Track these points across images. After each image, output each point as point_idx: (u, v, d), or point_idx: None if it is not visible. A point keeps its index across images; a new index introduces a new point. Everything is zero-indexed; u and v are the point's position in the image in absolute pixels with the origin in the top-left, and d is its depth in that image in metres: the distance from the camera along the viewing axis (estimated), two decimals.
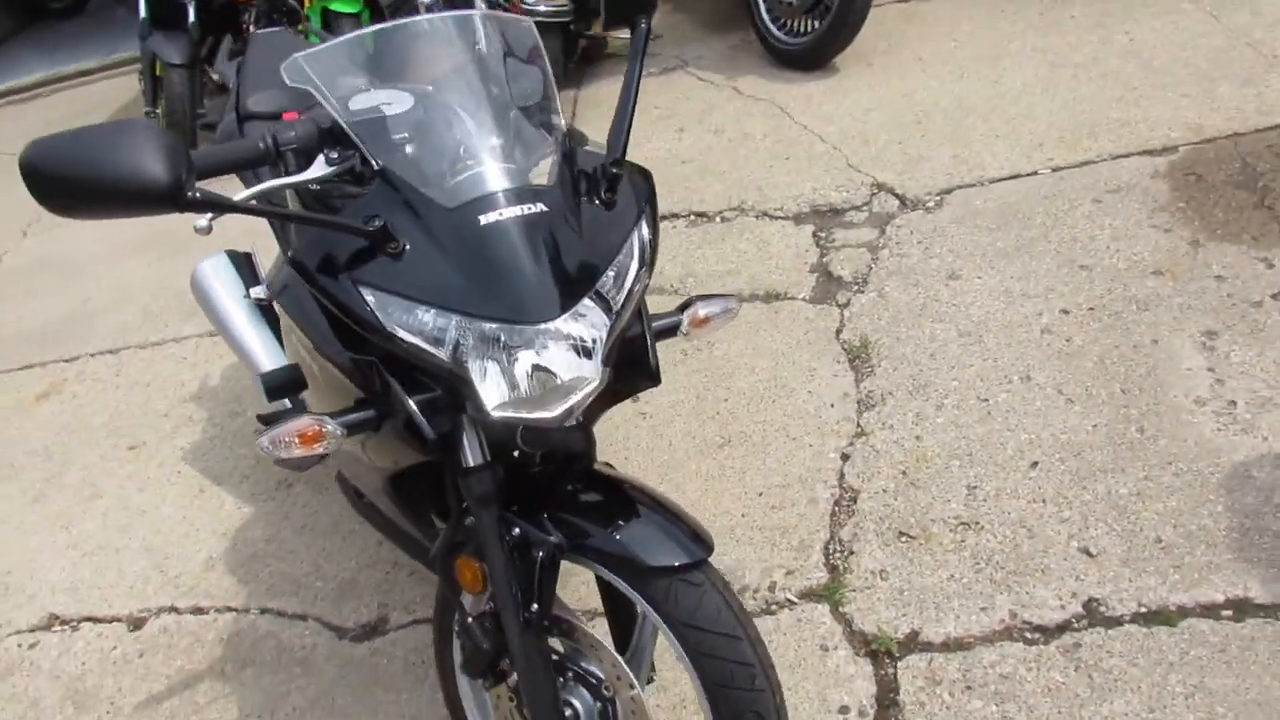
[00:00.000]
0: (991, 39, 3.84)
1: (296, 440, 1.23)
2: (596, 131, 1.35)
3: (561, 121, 1.35)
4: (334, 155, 1.27)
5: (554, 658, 1.40)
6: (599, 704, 1.39)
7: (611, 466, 1.46)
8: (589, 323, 1.18)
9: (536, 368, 1.14)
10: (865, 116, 3.55)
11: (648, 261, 1.27)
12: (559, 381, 1.14)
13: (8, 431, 3.07)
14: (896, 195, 3.06)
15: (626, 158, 1.31)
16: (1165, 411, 2.10)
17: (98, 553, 2.48)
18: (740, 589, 1.96)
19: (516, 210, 1.19)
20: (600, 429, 1.47)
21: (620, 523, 1.30)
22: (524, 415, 1.14)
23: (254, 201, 1.19)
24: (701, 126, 3.83)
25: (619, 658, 1.38)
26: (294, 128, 1.31)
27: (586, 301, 1.18)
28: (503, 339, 1.14)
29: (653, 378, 1.38)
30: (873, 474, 2.14)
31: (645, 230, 1.28)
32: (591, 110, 4.33)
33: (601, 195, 1.27)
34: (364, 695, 1.95)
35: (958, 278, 2.64)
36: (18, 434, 3.04)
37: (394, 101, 1.33)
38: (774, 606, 1.93)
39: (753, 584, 1.98)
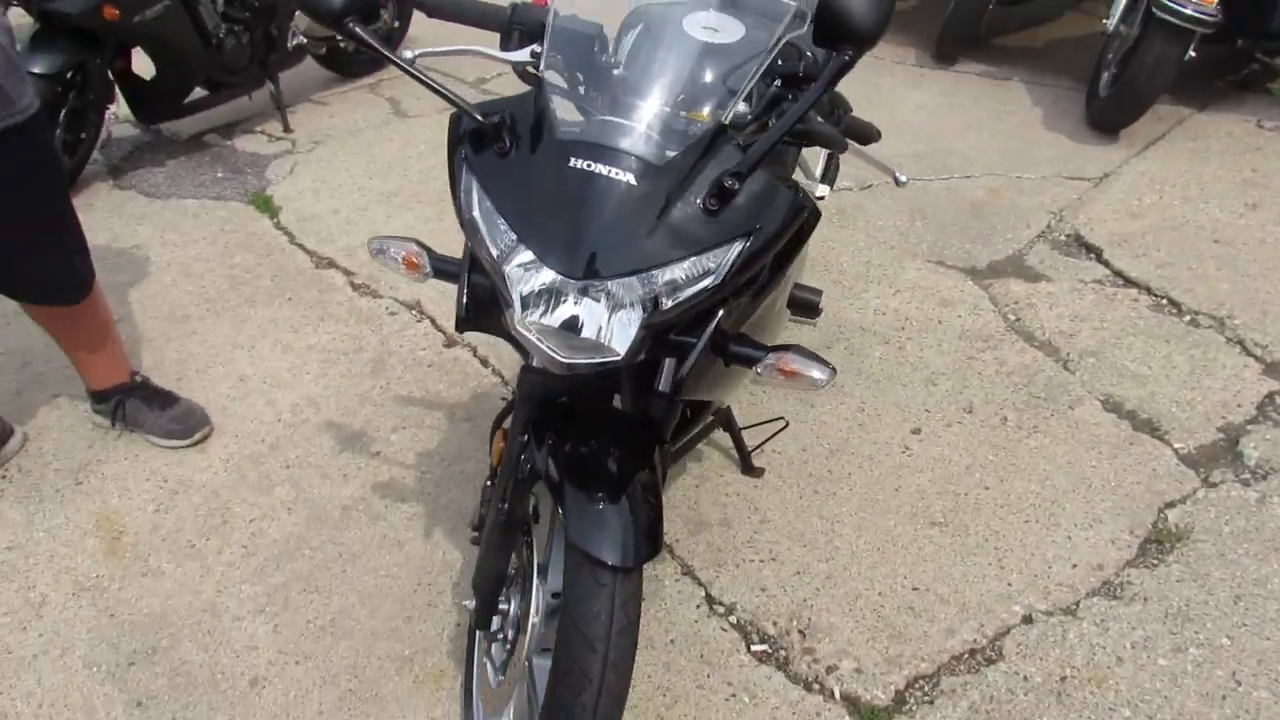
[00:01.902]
0: None
1: (401, 258, 1.47)
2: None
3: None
4: (532, 49, 1.35)
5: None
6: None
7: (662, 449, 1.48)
8: (615, 302, 1.18)
9: (557, 313, 1.18)
10: None
11: (725, 282, 1.21)
12: (580, 337, 1.18)
13: None
14: None
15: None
16: None
17: None
18: None
19: (604, 169, 1.20)
20: None
21: (595, 495, 1.34)
22: (538, 344, 1.19)
23: (406, 60, 1.25)
24: None
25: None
26: (534, 11, 1.37)
27: (622, 282, 1.17)
28: (537, 273, 1.19)
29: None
30: None
31: (737, 252, 1.20)
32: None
33: (706, 200, 1.20)
34: None
35: None
36: None
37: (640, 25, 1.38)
38: None
39: None
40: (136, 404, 2.37)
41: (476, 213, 1.25)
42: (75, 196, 3.47)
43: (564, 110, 1.29)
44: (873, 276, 3.04)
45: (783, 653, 1.88)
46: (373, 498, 2.24)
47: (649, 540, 1.36)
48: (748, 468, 2.27)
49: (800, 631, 1.91)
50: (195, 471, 2.32)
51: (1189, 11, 3.36)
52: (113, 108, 3.57)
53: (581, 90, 1.34)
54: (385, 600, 1.99)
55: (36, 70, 3.11)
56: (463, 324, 1.38)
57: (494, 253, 1.23)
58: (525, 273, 1.21)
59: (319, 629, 1.94)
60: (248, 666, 1.86)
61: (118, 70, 3.59)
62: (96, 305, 2.24)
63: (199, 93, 3.91)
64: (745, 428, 2.28)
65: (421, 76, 1.24)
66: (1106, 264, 3.08)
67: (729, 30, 1.56)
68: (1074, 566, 2.04)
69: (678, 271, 1.20)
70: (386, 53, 1.23)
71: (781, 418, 2.37)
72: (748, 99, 1.39)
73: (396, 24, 4.71)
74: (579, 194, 1.20)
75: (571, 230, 1.19)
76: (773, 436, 2.33)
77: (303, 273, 3.10)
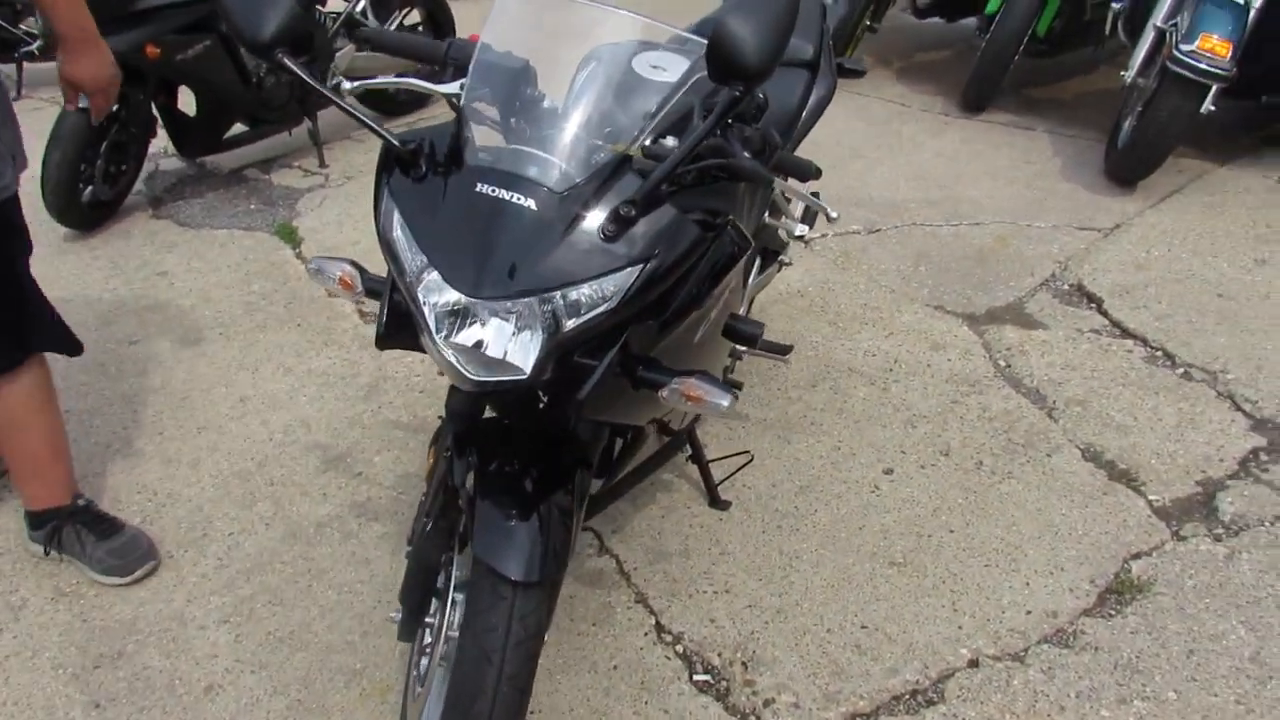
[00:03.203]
0: None
1: (336, 278, 1.53)
2: None
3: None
4: (461, 82, 1.42)
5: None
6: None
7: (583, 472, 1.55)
8: (520, 323, 1.24)
9: (466, 333, 1.25)
10: None
11: (620, 306, 1.25)
12: (488, 355, 1.24)
13: None
14: None
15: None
16: None
17: None
18: None
19: (507, 195, 1.26)
20: None
21: (506, 510, 1.41)
22: (448, 363, 1.26)
23: (340, 92, 1.37)
24: None
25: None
26: (467, 47, 1.46)
27: (522, 303, 1.23)
28: (444, 293, 1.25)
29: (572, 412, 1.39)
30: None
31: (633, 278, 1.25)
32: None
33: (604, 227, 1.26)
34: None
35: None
36: None
37: (551, 59, 1.44)
38: None
39: None
40: (74, 531, 2.14)
41: (394, 234, 1.32)
42: (115, 225, 3.68)
43: (483, 139, 1.36)
44: (868, 318, 3.05)
45: (724, 683, 1.88)
46: (348, 516, 2.31)
47: (555, 558, 1.40)
48: (714, 500, 2.29)
49: (744, 663, 1.92)
50: (185, 486, 2.41)
51: (1202, 65, 3.35)
52: (156, 142, 3.77)
53: (510, 121, 1.41)
54: (344, 615, 2.05)
55: (81, 105, 3.30)
56: (382, 341, 1.44)
57: (407, 273, 1.30)
58: (434, 293, 1.27)
59: (278, 640, 2.00)
60: (205, 674, 1.93)
61: (161, 105, 3.78)
62: (47, 410, 2.08)
63: (240, 128, 4.11)
64: (713, 460, 2.31)
65: (345, 106, 1.33)
66: (1105, 314, 3.05)
67: (675, 69, 1.63)
68: (1028, 613, 2.01)
69: (576, 294, 1.25)
70: (315, 83, 1.31)
71: (747, 451, 2.39)
72: (675, 134, 1.45)
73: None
74: (485, 218, 1.27)
75: (475, 252, 1.25)
76: (738, 470, 2.35)
77: (314, 300, 3.21)
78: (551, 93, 1.43)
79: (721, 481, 2.32)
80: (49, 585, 2.14)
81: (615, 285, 1.26)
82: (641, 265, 1.27)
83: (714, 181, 1.42)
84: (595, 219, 1.27)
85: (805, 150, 4.28)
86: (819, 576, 2.12)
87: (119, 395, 2.75)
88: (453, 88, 1.45)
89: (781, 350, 2.37)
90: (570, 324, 1.26)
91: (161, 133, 3.81)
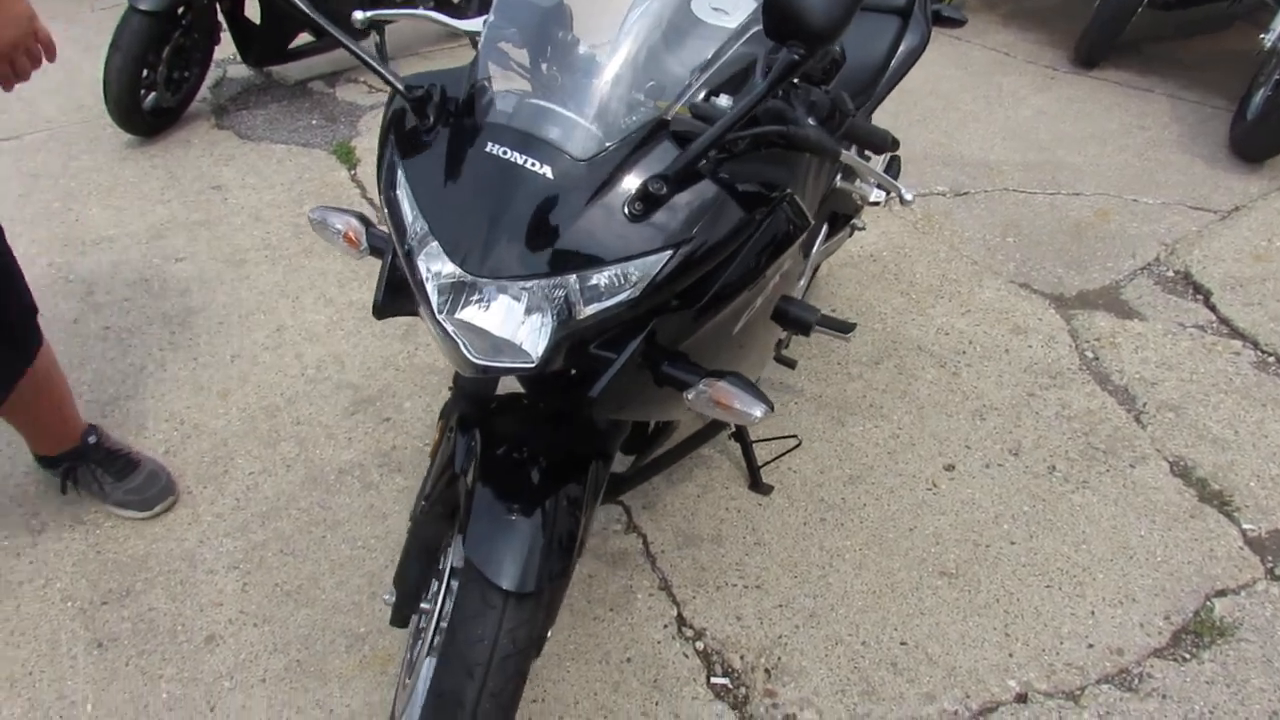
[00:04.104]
0: None
1: (341, 232, 1.38)
2: None
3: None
4: (484, 18, 1.25)
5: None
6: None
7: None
8: (529, 305, 1.09)
9: (469, 310, 1.10)
10: None
11: (643, 296, 1.09)
12: (495, 337, 1.10)
13: None
14: None
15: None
16: None
17: None
18: None
19: (520, 158, 1.10)
20: None
21: (506, 505, 1.27)
22: (449, 340, 1.12)
23: (357, 20, 1.24)
24: None
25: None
26: None
27: (528, 286, 1.08)
28: (444, 264, 1.10)
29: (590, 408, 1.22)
30: None
31: (661, 265, 1.09)
32: None
33: (631, 205, 1.09)
34: None
35: None
36: None
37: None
38: None
39: None
40: (89, 471, 2.07)
41: (395, 193, 1.17)
42: (177, 133, 3.59)
43: (504, 87, 1.18)
44: (945, 292, 2.81)
45: (743, 690, 1.75)
46: (370, 465, 2.21)
47: (557, 564, 1.26)
48: (756, 484, 2.13)
49: (767, 670, 1.78)
50: (212, 418, 2.34)
51: None
52: (224, 49, 3.66)
53: (540, 68, 1.23)
54: (355, 573, 1.96)
55: (143, 7, 3.19)
56: (380, 309, 1.30)
57: (407, 238, 1.14)
58: (435, 263, 1.12)
59: (284, 594, 1.92)
60: (208, 622, 1.86)
61: (227, 11, 3.66)
62: (50, 380, 1.94)
63: (306, 38, 3.97)
64: (757, 441, 2.14)
65: (343, 39, 1.16)
66: (1213, 308, 2.76)
67: (740, 11, 1.43)
68: (1090, 646, 1.82)
69: (595, 279, 1.09)
70: (308, 9, 1.15)
71: (795, 436, 2.22)
72: (731, 91, 1.26)
73: None
74: (494, 185, 1.11)
75: (480, 223, 1.09)
76: (783, 454, 2.18)
77: None
78: (589, 35, 1.23)
79: (765, 464, 2.15)
80: (69, 512, 2.09)
81: (640, 271, 1.09)
82: (673, 250, 1.09)
83: (770, 148, 1.22)
84: (623, 193, 1.10)
85: (891, 99, 3.99)
86: (860, 580, 1.95)
87: (159, 314, 2.68)
88: (475, 24, 1.27)
89: (843, 328, 2.17)
90: (586, 311, 1.10)
91: (228, 40, 3.70)
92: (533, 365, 1.12)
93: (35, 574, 1.96)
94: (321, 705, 1.72)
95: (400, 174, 1.16)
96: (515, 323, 1.10)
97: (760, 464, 2.13)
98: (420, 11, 1.30)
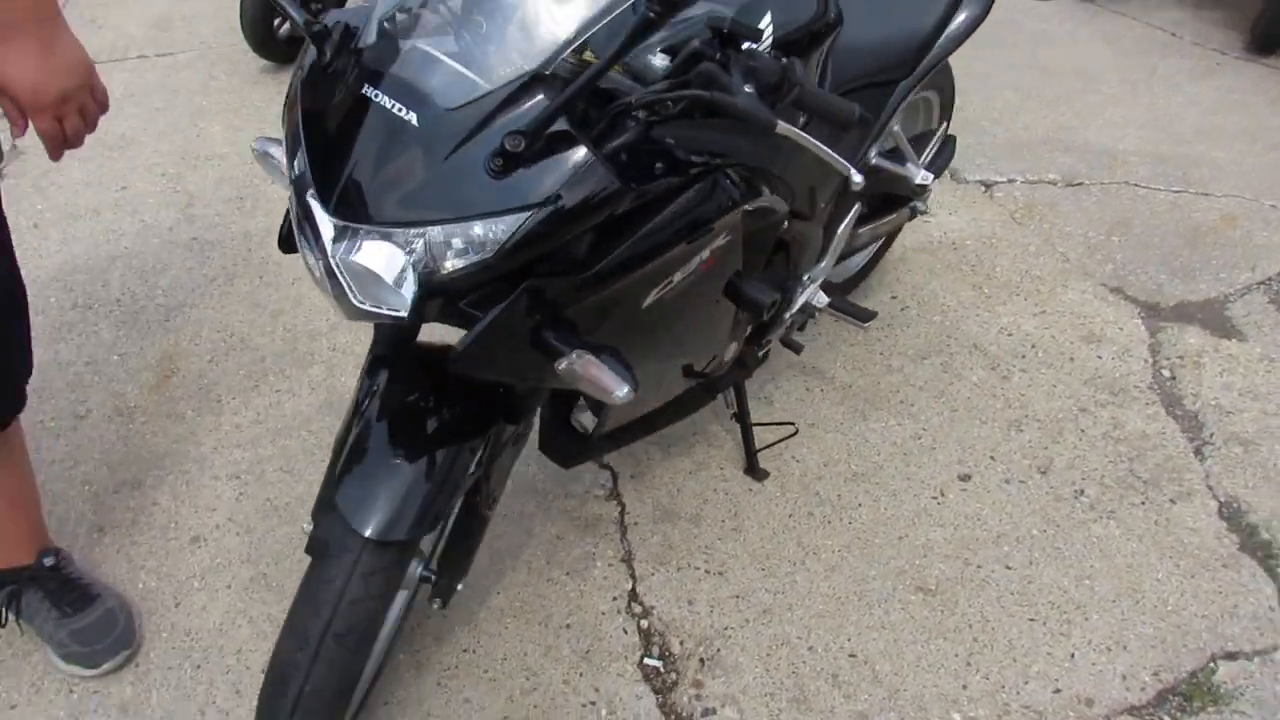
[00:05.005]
0: None
1: (279, 165, 1.33)
2: None
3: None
4: None
5: None
6: None
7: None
8: (393, 255, 1.06)
9: (341, 253, 1.09)
10: None
11: (501, 257, 1.06)
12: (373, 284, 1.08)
13: None
14: None
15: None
16: None
17: None
18: None
19: (388, 103, 1.07)
20: None
21: (382, 451, 1.27)
22: (323, 277, 1.11)
23: None
24: None
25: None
26: None
27: (383, 232, 1.06)
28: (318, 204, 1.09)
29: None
30: None
31: (516, 226, 1.04)
32: None
33: (490, 160, 1.04)
34: None
35: None
36: None
37: None
38: None
39: None
40: (36, 599, 1.69)
41: (291, 124, 1.17)
42: None
43: (398, 29, 1.15)
44: (1022, 289, 2.60)
45: (673, 675, 1.71)
46: None
47: (422, 519, 1.26)
48: (751, 467, 2.06)
49: (702, 660, 1.73)
50: (259, 334, 2.46)
51: None
52: None
53: (439, 10, 1.19)
54: None
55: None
56: (284, 243, 1.31)
57: (293, 171, 1.15)
58: (311, 202, 1.12)
59: (272, 508, 2.01)
60: (198, 524, 1.98)
61: None
62: (12, 461, 1.61)
63: None
64: (758, 424, 2.07)
65: None
66: None
67: None
68: (1056, 691, 1.67)
69: (449, 233, 1.06)
70: None
71: (792, 424, 2.12)
72: (667, 53, 1.19)
73: None
74: (365, 128, 1.09)
75: (348, 165, 1.09)
76: (778, 441, 2.09)
77: None
78: None
79: (763, 448, 2.07)
80: (111, 404, 2.25)
81: (493, 231, 1.05)
82: (530, 212, 1.05)
83: (711, 116, 1.14)
84: (488, 147, 1.06)
85: (1025, 74, 3.71)
86: (829, 583, 1.86)
87: (242, 231, 2.82)
88: None
89: (861, 316, 2.05)
90: (448, 266, 1.07)
91: None
92: (404, 316, 1.10)
93: (67, 455, 2.12)
94: (272, 620, 1.80)
95: (298, 107, 1.16)
96: (387, 270, 1.08)
97: (759, 448, 2.06)
98: None
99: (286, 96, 1.21)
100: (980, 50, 3.81)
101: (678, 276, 1.30)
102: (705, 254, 1.32)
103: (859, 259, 2.51)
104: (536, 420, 1.64)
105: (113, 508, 2.02)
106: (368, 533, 1.22)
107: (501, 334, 1.15)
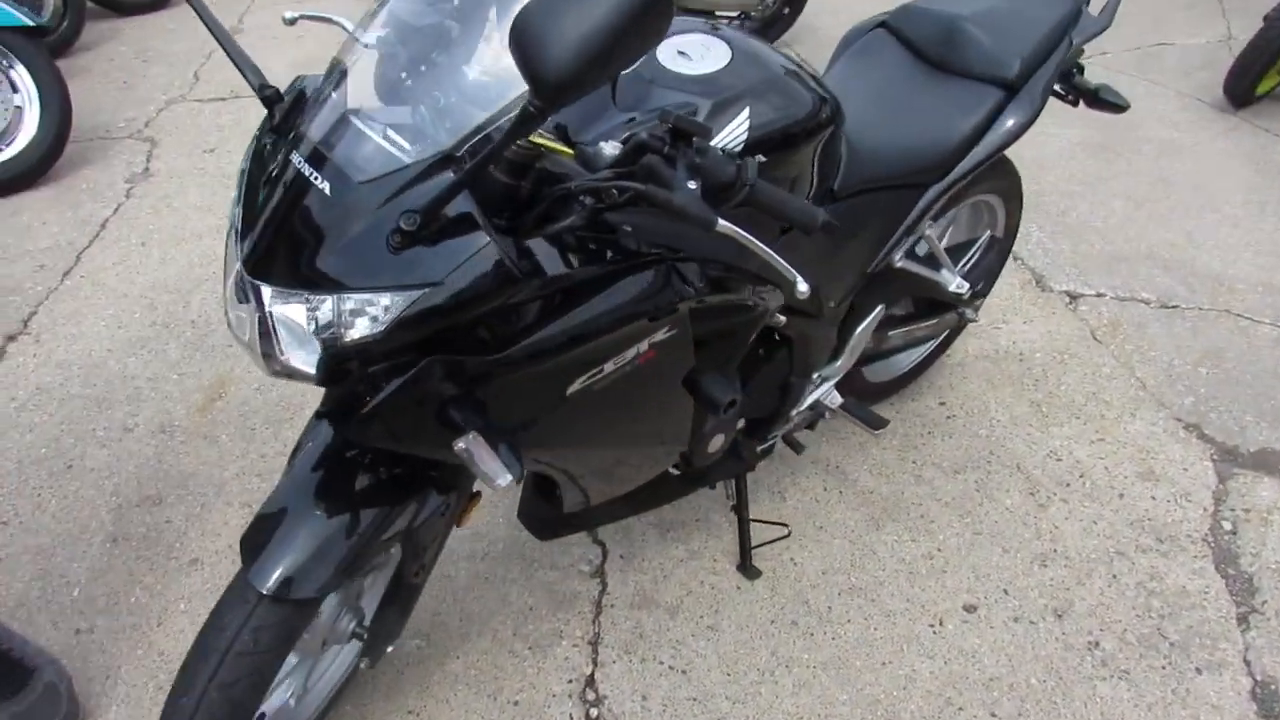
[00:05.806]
0: None
1: None
2: None
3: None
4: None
5: None
6: None
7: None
8: (288, 315, 1.09)
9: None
10: None
11: (391, 333, 1.06)
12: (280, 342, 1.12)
13: None
14: None
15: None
16: None
17: None
18: None
19: (308, 171, 1.11)
20: None
21: (301, 504, 1.29)
22: (239, 338, 1.16)
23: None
24: None
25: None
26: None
27: (292, 295, 1.09)
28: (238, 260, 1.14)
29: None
30: None
31: (405, 303, 1.05)
32: None
33: (390, 236, 1.05)
34: None
35: None
36: None
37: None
38: None
39: None
40: None
41: (240, 174, 1.23)
42: None
43: (341, 97, 1.19)
44: (1084, 413, 2.43)
45: None
46: None
47: (330, 579, 1.26)
48: (744, 564, 1.99)
49: None
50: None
51: None
52: None
53: (380, 87, 1.22)
54: None
55: None
56: None
57: (230, 221, 1.20)
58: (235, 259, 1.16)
59: None
60: (201, 548, 2.05)
61: None
62: None
63: None
64: (755, 520, 2.00)
65: (225, 38, 1.23)
66: None
67: (709, 59, 1.36)
68: None
69: (345, 303, 1.07)
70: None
71: (785, 524, 2.03)
72: (623, 142, 1.19)
73: (787, 10, 4.62)
74: (286, 192, 1.13)
75: (267, 226, 1.13)
76: (770, 541, 2.01)
77: None
78: (425, 64, 1.21)
79: (758, 546, 1.99)
80: (159, 420, 2.38)
81: (383, 306, 1.06)
82: (420, 291, 1.06)
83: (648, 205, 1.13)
84: (392, 222, 1.07)
85: (1141, 185, 3.50)
86: (793, 701, 1.75)
87: None
88: (372, 35, 1.28)
89: (873, 422, 1.96)
90: (350, 335, 1.09)
91: None
92: (313, 378, 1.12)
93: (103, 465, 2.25)
94: None
95: (249, 160, 1.22)
96: (287, 333, 1.11)
97: (754, 545, 1.98)
98: (336, 18, 1.34)
99: (248, 146, 1.27)
100: (1096, 153, 3.64)
101: (609, 366, 1.27)
102: (644, 346, 1.30)
103: (904, 359, 2.41)
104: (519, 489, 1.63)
105: (131, 521, 2.12)
106: (264, 589, 1.24)
107: (403, 405, 1.15)
